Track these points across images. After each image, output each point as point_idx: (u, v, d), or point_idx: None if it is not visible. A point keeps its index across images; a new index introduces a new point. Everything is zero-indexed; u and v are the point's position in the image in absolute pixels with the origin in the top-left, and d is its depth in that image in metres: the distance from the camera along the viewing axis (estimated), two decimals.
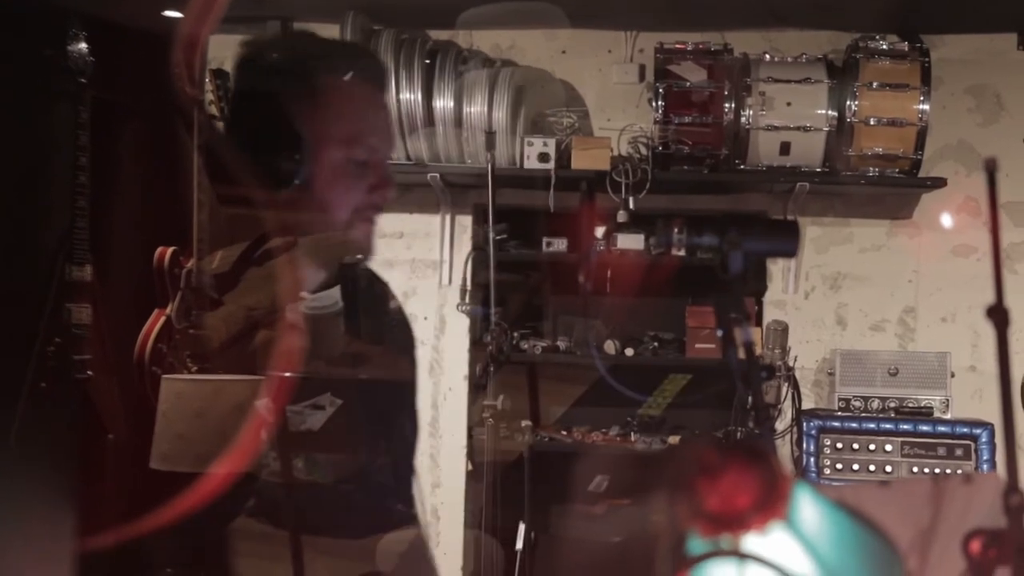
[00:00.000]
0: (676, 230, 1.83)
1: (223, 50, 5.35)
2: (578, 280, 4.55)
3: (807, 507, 1.19)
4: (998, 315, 1.20)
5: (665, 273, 4.66)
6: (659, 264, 4.60)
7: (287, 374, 1.83)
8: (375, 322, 2.11)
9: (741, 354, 1.69)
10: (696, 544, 1.14)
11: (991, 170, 1.24)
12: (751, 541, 1.14)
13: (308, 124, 1.90)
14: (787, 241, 1.95)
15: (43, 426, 3.89)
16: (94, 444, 3.92)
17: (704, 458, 1.15)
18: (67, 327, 3.95)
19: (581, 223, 4.81)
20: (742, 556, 1.13)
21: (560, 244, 5.07)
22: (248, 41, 2.05)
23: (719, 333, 1.73)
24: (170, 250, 4.36)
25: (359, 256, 1.98)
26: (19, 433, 3.85)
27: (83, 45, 3.82)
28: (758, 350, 4.82)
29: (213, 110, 5.03)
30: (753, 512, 1.13)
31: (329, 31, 5.03)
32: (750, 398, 1.71)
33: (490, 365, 4.32)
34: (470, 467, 5.25)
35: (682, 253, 1.88)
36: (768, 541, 1.14)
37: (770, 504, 1.15)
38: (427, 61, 4.90)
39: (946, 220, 5.08)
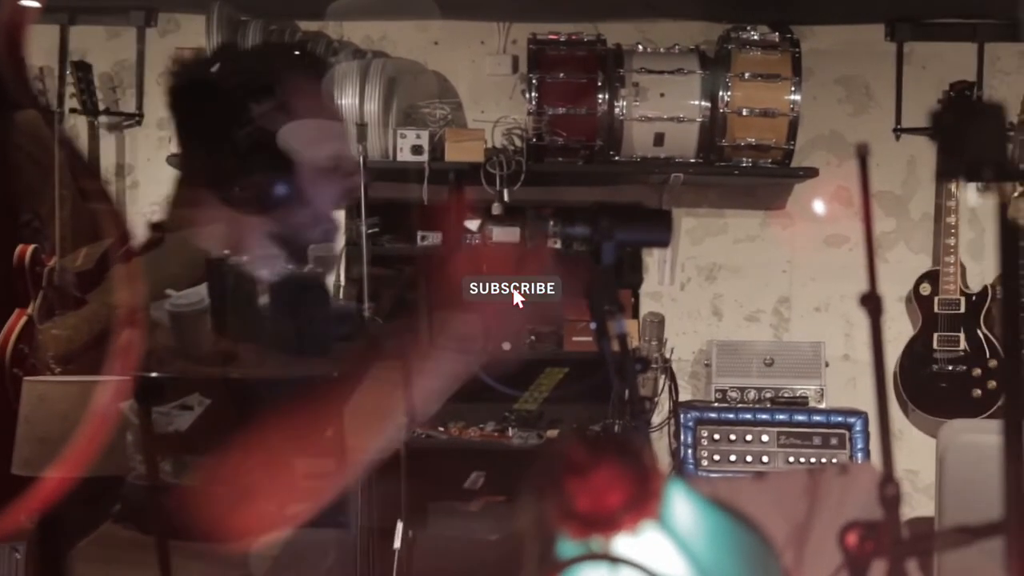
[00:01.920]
0: (550, 222, 1.81)
1: (85, 41, 5.22)
2: (450, 273, 4.50)
3: (680, 504, 1.16)
4: (872, 303, 1.18)
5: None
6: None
7: (152, 374, 1.79)
8: (244, 320, 2.06)
9: (616, 346, 1.66)
10: (566, 547, 1.10)
11: (863, 155, 1.22)
12: (622, 542, 1.10)
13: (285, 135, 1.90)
14: (660, 231, 1.93)
15: None
16: None
17: (573, 455, 1.11)
18: None
19: (455, 216, 4.77)
20: (613, 559, 1.09)
21: (435, 238, 5.01)
22: (191, 66, 2.08)
23: (593, 326, 1.70)
24: (31, 247, 4.23)
25: (226, 252, 1.94)
26: None
27: None
28: (634, 342, 4.84)
29: (75, 104, 4.91)
30: (624, 511, 1.09)
31: (195, 22, 4.94)
32: (626, 391, 1.69)
33: None
34: None
35: (557, 245, 1.86)
36: (640, 542, 1.10)
37: (642, 502, 1.11)
38: (296, 52, 4.81)
39: (819, 209, 5.13)
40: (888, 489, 1.14)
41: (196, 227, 2.00)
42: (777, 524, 1.26)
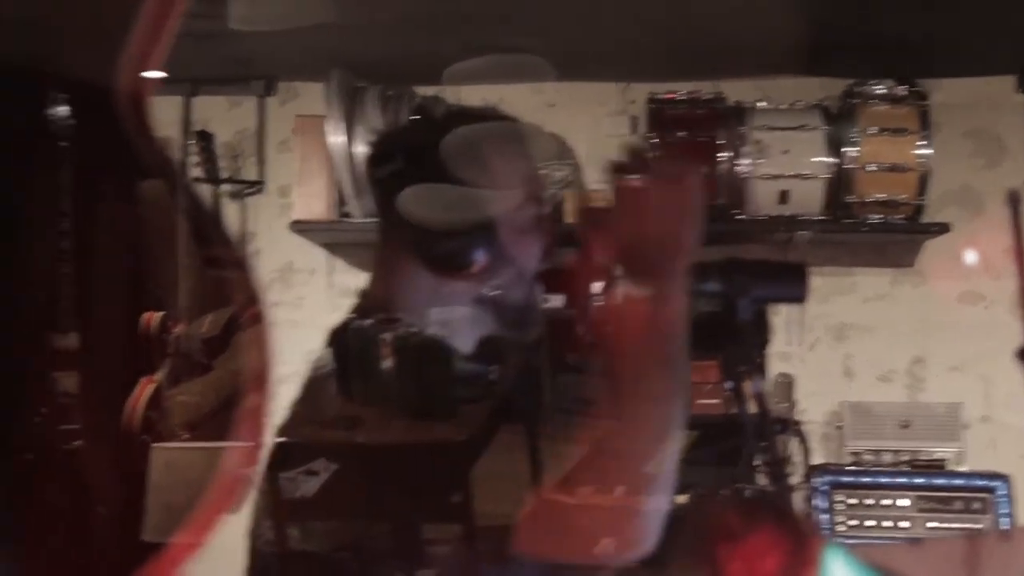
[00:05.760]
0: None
1: (207, 111, 5.31)
2: (577, 336, 4.47)
3: (839, 571, 1.09)
4: None
5: None
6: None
7: (280, 439, 1.80)
8: (368, 383, 2.05)
9: (752, 407, 1.61)
10: None
11: (1016, 202, 1.15)
12: None
13: (489, 195, 1.97)
14: (797, 285, 1.88)
15: (30, 498, 3.79)
16: (84, 516, 3.83)
17: (724, 520, 1.05)
18: (53, 396, 3.86)
19: (578, 278, 4.73)
20: None
21: (557, 300, 4.97)
22: (414, 127, 2.33)
23: (728, 386, 1.65)
24: (158, 315, 4.28)
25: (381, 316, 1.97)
26: (5, 505, 3.75)
27: (64, 108, 3.75)
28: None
29: (198, 172, 4.99)
30: None
31: (314, 89, 4.99)
32: (762, 453, 1.63)
33: None
34: None
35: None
36: None
37: (798, 569, 1.05)
38: (417, 116, 4.83)
39: (954, 266, 5.01)
40: None
41: (398, 293, 2.05)
42: None
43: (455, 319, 2.03)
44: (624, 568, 1.71)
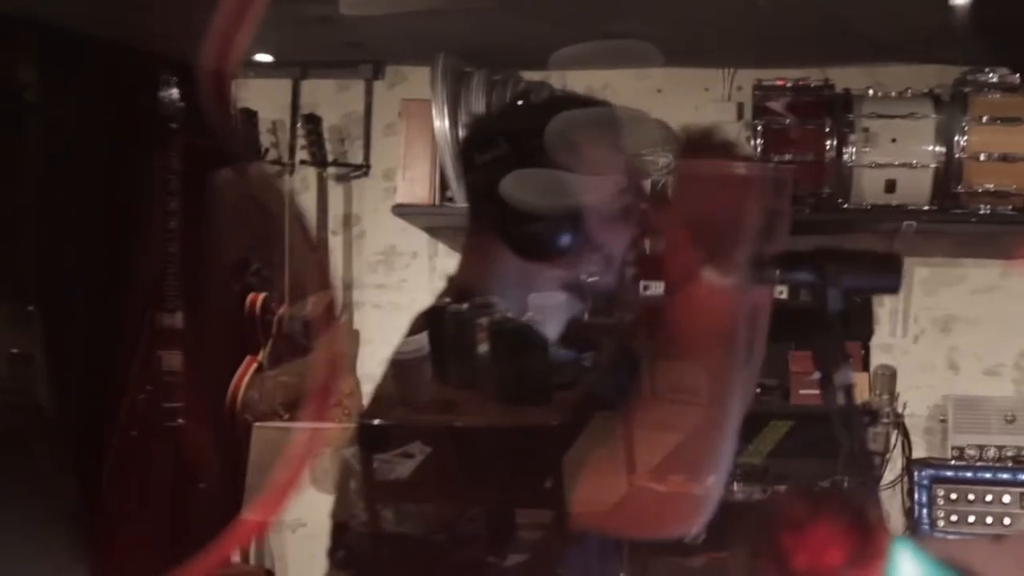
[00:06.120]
0: (775, 269, 1.75)
1: (315, 95, 5.37)
2: (668, 323, 4.45)
3: (908, 565, 1.08)
4: None
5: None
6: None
7: (375, 421, 1.81)
8: (463, 367, 2.06)
9: (841, 398, 1.59)
10: None
11: None
12: None
13: (588, 181, 1.96)
14: (889, 276, 1.85)
15: (135, 475, 3.88)
16: (186, 492, 3.90)
17: (791, 511, 1.05)
18: (158, 375, 3.94)
19: (667, 265, 4.71)
20: None
21: (657, 287, 4.95)
22: (516, 112, 2.19)
23: (817, 376, 1.64)
24: (262, 296, 4.36)
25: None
26: (110, 482, 3.84)
27: (174, 91, 3.83)
28: (865, 395, 4.67)
29: (305, 155, 5.05)
30: (845, 570, 1.03)
31: (421, 73, 5.02)
32: (853, 445, 1.61)
33: None
34: None
35: (783, 296, 1.80)
36: None
37: (865, 562, 1.04)
38: (519, 102, 4.84)
39: None
40: None
41: (486, 278, 2.05)
42: None
43: (550, 305, 2.03)
44: (714, 552, 1.72)
